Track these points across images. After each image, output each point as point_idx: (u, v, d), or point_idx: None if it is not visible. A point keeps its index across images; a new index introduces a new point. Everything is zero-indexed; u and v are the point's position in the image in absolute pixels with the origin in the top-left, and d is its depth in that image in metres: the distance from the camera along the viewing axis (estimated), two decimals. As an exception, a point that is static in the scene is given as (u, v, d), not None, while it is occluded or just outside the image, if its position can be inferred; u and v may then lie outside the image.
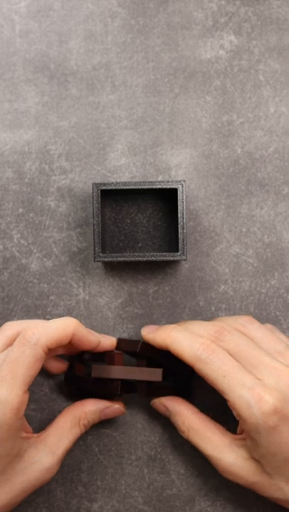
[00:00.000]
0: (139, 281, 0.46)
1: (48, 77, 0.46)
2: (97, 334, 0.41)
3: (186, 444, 0.45)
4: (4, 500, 0.37)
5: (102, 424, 0.45)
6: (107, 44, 0.46)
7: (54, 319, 0.39)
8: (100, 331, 0.45)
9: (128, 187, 0.42)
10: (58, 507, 0.45)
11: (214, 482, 0.45)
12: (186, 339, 0.39)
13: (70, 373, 0.44)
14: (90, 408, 0.41)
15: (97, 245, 0.42)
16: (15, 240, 0.45)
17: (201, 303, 0.45)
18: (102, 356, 0.42)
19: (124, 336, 0.45)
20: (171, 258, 0.42)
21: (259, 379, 0.37)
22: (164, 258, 0.42)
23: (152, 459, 0.45)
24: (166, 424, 0.45)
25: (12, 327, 0.41)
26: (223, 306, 0.45)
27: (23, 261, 0.45)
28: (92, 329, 0.45)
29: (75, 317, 0.45)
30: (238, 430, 0.40)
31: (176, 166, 0.46)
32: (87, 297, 0.45)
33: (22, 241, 0.45)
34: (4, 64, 0.46)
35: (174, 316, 0.45)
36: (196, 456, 0.45)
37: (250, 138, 0.46)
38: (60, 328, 0.38)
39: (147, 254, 0.42)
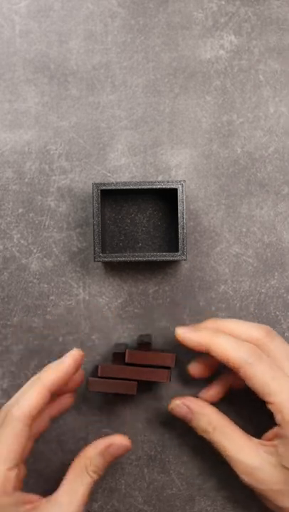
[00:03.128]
0: (139, 281, 0.46)
1: (48, 77, 0.46)
2: (63, 359, 0.39)
3: (186, 444, 0.45)
4: None
5: (102, 424, 0.45)
6: (107, 44, 0.46)
7: (27, 387, 0.38)
8: (100, 331, 0.45)
9: (128, 187, 0.42)
10: (58, 507, 0.45)
11: (214, 482, 0.45)
12: (230, 344, 0.38)
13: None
14: (91, 452, 0.39)
15: (97, 245, 0.42)
16: (15, 240, 0.45)
17: (201, 303, 0.45)
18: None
19: (125, 335, 0.45)
20: (171, 258, 0.42)
21: None
22: (164, 258, 0.42)
23: (152, 459, 0.45)
24: (166, 424, 0.45)
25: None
26: (223, 306, 0.45)
27: (23, 261, 0.45)
28: (92, 329, 0.45)
29: (74, 317, 0.45)
30: (269, 436, 0.39)
31: (176, 166, 0.46)
32: (87, 297, 0.45)
33: (22, 241, 0.45)
34: (4, 64, 0.46)
35: (174, 316, 0.45)
36: (196, 456, 0.45)
37: (250, 138, 0.46)
38: (34, 397, 0.37)
39: (147, 254, 0.42)
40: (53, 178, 0.46)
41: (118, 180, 0.46)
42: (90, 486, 0.38)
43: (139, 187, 0.42)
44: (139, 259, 0.42)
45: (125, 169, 0.46)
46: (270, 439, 0.39)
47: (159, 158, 0.46)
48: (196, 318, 0.45)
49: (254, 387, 0.37)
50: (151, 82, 0.46)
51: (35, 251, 0.45)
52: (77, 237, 0.46)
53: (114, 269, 0.46)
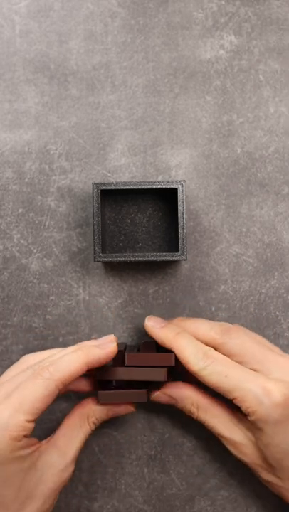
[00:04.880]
0: (139, 281, 0.46)
1: (48, 77, 0.46)
2: (105, 345, 0.40)
3: (186, 443, 0.45)
4: None
5: (102, 423, 0.45)
6: (107, 44, 0.46)
7: (68, 352, 0.38)
8: (100, 331, 0.45)
9: (128, 187, 0.42)
10: (58, 507, 0.45)
11: (214, 482, 0.45)
12: (189, 348, 0.39)
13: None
14: (96, 405, 0.40)
15: (97, 245, 0.42)
16: (15, 240, 0.45)
17: (201, 303, 0.45)
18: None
19: (125, 335, 0.45)
20: (171, 258, 0.42)
21: (266, 374, 0.38)
22: (164, 258, 0.42)
23: (152, 459, 0.45)
24: (167, 423, 0.45)
25: (29, 360, 0.41)
26: (223, 306, 0.45)
27: (23, 261, 0.45)
28: (92, 329, 0.45)
29: (74, 317, 0.45)
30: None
31: (176, 166, 0.46)
32: (87, 297, 0.45)
33: (22, 241, 0.45)
34: (4, 64, 0.46)
35: (174, 316, 0.45)
36: (196, 456, 0.45)
37: (250, 138, 0.46)
38: (74, 363, 0.37)
39: (147, 254, 0.42)
40: (53, 178, 0.46)
41: (118, 180, 0.46)
42: (87, 434, 0.40)
43: (139, 187, 0.42)
44: (139, 259, 0.42)
45: (125, 169, 0.46)
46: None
47: (159, 158, 0.46)
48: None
49: (212, 387, 0.39)
50: (151, 82, 0.46)
51: (35, 251, 0.45)
52: (77, 237, 0.46)
53: (114, 269, 0.46)
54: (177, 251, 0.42)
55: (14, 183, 0.46)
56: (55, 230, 0.45)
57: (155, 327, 0.41)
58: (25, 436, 0.36)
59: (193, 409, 0.41)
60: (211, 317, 0.45)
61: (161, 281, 0.46)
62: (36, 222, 0.45)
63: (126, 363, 0.40)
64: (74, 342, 0.45)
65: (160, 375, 0.40)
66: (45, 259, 0.45)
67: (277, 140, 0.46)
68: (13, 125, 0.46)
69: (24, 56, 0.46)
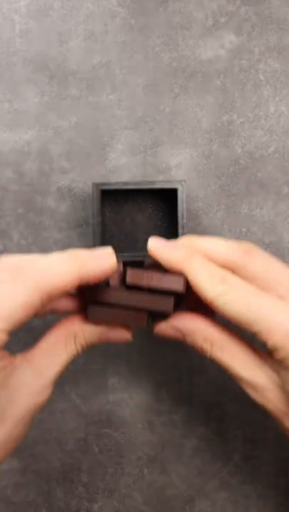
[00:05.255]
0: (139, 281, 0.46)
1: (48, 77, 0.46)
2: (102, 258, 0.32)
3: (186, 444, 0.45)
4: (0, 438, 0.31)
5: (102, 424, 0.45)
6: (107, 44, 0.46)
7: (56, 259, 0.31)
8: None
9: (128, 187, 0.42)
10: (58, 507, 0.45)
11: (214, 483, 0.45)
12: (205, 270, 0.32)
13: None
14: (88, 325, 0.34)
15: (97, 245, 0.42)
16: (15, 240, 0.45)
17: (201, 303, 0.45)
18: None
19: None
20: (171, 258, 0.42)
21: None
22: (164, 258, 0.42)
23: (152, 459, 0.45)
24: (167, 424, 0.45)
25: (7, 262, 0.32)
26: (223, 306, 0.45)
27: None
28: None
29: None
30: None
31: (176, 166, 0.46)
32: (87, 297, 0.45)
33: (22, 241, 0.45)
34: (4, 64, 0.46)
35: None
36: (196, 457, 0.45)
37: (251, 138, 0.46)
38: (63, 275, 0.30)
39: (147, 254, 0.42)
40: (53, 178, 0.46)
41: (118, 180, 0.46)
42: (71, 357, 0.33)
43: (139, 187, 0.42)
44: (139, 259, 0.42)
45: (125, 169, 0.46)
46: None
47: (159, 158, 0.46)
48: (196, 318, 0.45)
49: (232, 319, 0.32)
50: (151, 82, 0.46)
51: (35, 251, 0.45)
52: (77, 237, 0.45)
53: (114, 269, 0.46)
54: (177, 251, 0.42)
55: (14, 183, 0.46)
56: (55, 230, 0.45)
57: (162, 247, 0.34)
58: None
59: (206, 346, 0.34)
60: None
61: (161, 282, 0.45)
62: (36, 222, 0.45)
63: (127, 281, 0.33)
64: (74, 342, 0.45)
65: (166, 304, 0.33)
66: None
67: (277, 140, 0.46)
68: (13, 125, 0.46)
69: (24, 56, 0.46)
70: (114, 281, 0.34)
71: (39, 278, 0.30)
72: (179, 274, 0.33)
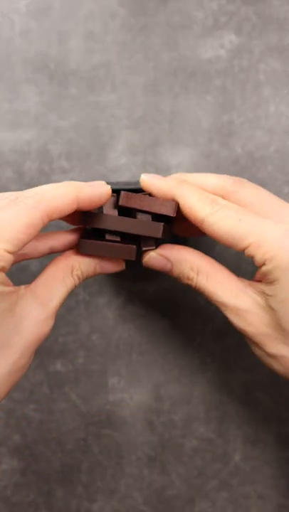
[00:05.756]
0: (139, 280, 0.46)
1: (48, 77, 0.46)
2: (97, 186, 0.34)
3: (186, 444, 0.45)
4: (6, 367, 0.32)
5: (102, 424, 0.45)
6: (107, 44, 0.46)
7: (54, 186, 0.33)
8: (100, 331, 0.45)
9: (128, 187, 0.42)
10: (58, 507, 0.45)
11: (214, 483, 0.45)
12: (196, 194, 0.34)
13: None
14: (83, 257, 0.35)
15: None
16: (15, 240, 0.45)
17: (201, 303, 0.45)
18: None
19: (125, 335, 0.45)
20: (171, 258, 0.42)
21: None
22: (164, 258, 0.42)
23: (152, 460, 0.45)
24: (166, 424, 0.45)
25: (6, 193, 0.34)
26: (224, 306, 0.45)
27: (23, 261, 0.45)
28: (92, 329, 0.45)
29: (74, 317, 0.45)
30: (257, 277, 0.36)
31: (176, 166, 0.46)
32: (87, 297, 0.45)
33: (22, 241, 0.45)
34: (4, 63, 0.46)
35: (174, 316, 0.45)
36: (196, 457, 0.45)
37: (251, 138, 0.46)
38: (62, 196, 0.32)
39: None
40: (53, 178, 0.45)
41: (118, 180, 0.46)
42: (70, 288, 0.35)
43: (139, 187, 0.42)
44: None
45: (125, 169, 0.46)
46: (258, 280, 0.35)
47: (159, 158, 0.46)
48: (196, 318, 0.45)
49: (222, 238, 0.33)
50: (151, 82, 0.46)
51: (35, 251, 0.45)
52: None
53: (114, 269, 0.46)
54: (177, 251, 0.42)
55: (14, 183, 0.46)
56: (55, 230, 0.45)
57: (153, 178, 0.36)
58: (3, 269, 0.31)
59: (192, 274, 0.35)
60: (212, 317, 0.45)
61: (161, 281, 0.45)
62: (36, 222, 0.45)
63: (120, 202, 0.34)
64: (74, 342, 0.45)
65: (156, 230, 0.34)
66: (45, 259, 0.45)
67: (277, 140, 0.46)
68: (12, 125, 0.46)
69: (24, 55, 0.46)
70: (108, 210, 0.35)
71: (40, 199, 0.31)
72: (171, 200, 0.34)
